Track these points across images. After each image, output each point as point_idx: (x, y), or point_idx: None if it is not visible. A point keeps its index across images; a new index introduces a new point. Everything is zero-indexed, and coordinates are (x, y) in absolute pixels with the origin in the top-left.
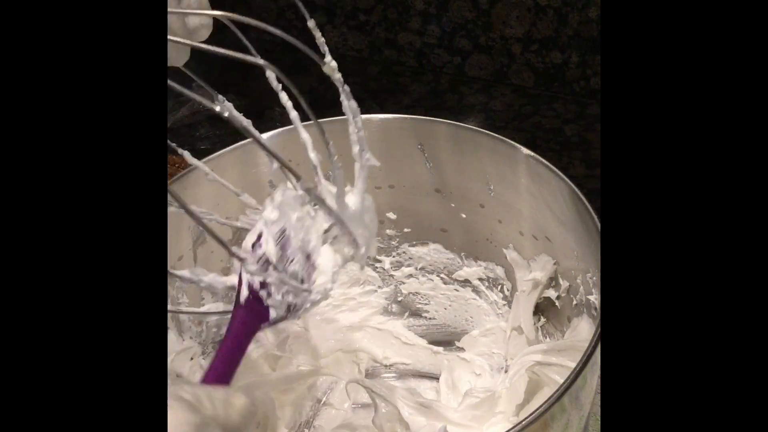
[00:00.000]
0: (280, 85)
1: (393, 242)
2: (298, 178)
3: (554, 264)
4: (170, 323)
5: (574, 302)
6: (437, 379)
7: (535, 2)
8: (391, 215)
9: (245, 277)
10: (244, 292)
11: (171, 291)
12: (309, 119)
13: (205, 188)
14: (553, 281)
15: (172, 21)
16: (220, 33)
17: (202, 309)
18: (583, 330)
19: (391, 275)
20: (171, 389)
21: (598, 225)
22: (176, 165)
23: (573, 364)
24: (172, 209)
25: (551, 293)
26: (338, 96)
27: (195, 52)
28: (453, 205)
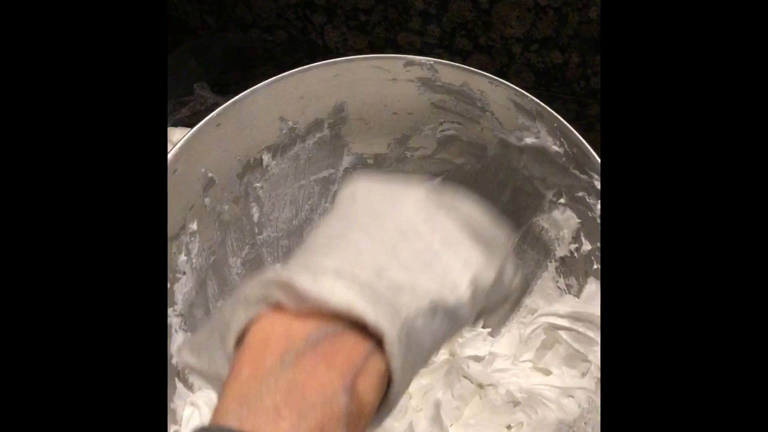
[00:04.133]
0: None
1: None
2: None
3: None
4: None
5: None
6: None
7: (535, 2)
8: None
9: None
10: None
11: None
12: None
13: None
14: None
15: None
16: (220, 32)
17: None
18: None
19: None
20: None
21: None
22: None
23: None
24: None
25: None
26: None
27: (195, 52)
28: None
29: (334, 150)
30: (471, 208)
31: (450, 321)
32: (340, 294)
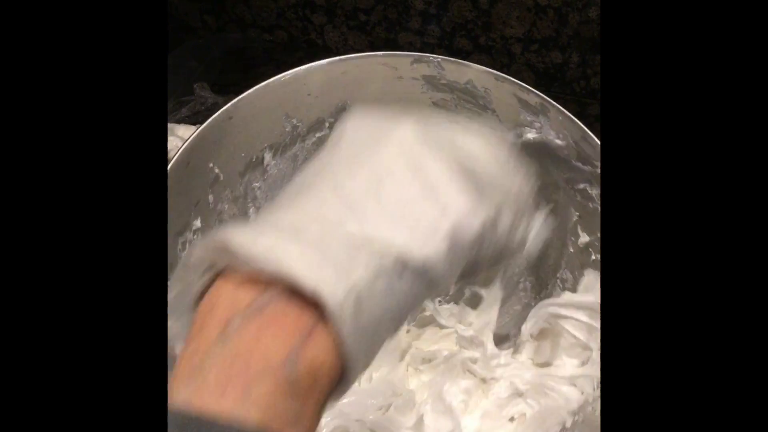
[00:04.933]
0: None
1: None
2: None
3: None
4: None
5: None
6: None
7: (535, 2)
8: None
9: None
10: None
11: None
12: None
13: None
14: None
15: None
16: (220, 32)
17: None
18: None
19: None
20: None
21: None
22: None
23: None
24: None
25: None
26: None
27: (195, 52)
28: None
29: None
30: (470, 142)
31: (421, 281)
32: (277, 256)
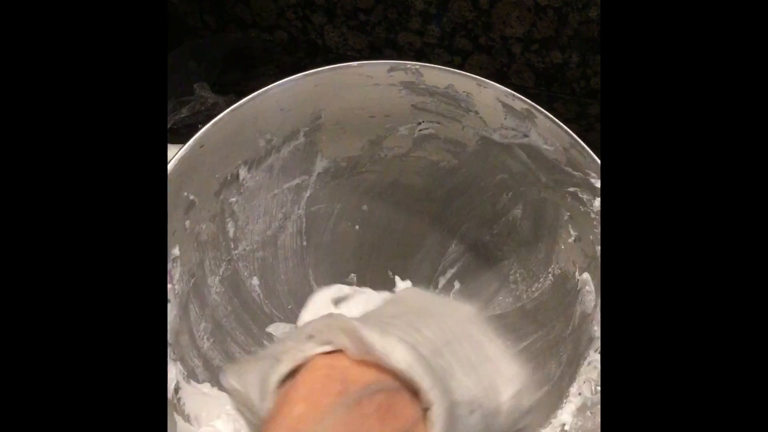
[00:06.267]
0: None
1: None
2: None
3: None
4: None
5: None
6: None
7: (535, 2)
8: None
9: None
10: None
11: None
12: None
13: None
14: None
15: None
16: (220, 32)
17: None
18: None
19: None
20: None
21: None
22: None
23: None
24: None
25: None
26: None
27: (195, 52)
28: None
29: (308, 156)
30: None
31: (484, 425)
32: (402, 354)
